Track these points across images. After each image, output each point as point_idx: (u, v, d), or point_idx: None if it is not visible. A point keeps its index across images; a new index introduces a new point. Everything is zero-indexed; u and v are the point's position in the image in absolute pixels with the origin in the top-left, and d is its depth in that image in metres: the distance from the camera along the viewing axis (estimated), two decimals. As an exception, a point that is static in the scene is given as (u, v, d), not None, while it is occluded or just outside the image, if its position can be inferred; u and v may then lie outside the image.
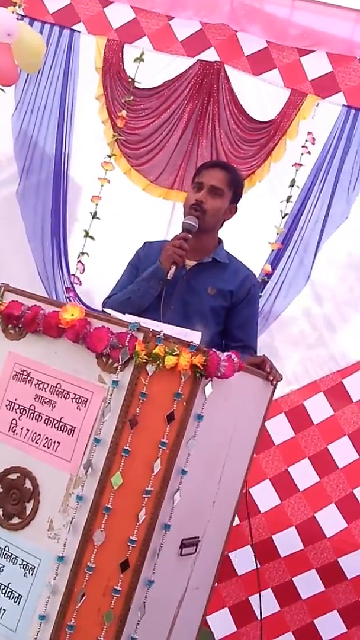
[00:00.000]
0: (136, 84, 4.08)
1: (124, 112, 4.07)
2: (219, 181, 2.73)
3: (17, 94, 4.15)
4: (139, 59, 4.06)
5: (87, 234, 4.09)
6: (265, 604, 3.83)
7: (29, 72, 3.87)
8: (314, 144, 3.93)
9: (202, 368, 1.97)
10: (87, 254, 4.10)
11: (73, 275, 4.10)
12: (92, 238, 4.08)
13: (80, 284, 4.09)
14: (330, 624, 3.85)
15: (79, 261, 4.11)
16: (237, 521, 2.51)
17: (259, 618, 3.80)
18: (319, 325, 4.04)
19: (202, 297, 2.71)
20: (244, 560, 3.82)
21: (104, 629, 1.91)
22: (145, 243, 2.91)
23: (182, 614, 2.18)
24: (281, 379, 2.50)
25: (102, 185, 4.07)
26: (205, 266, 2.75)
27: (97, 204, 4.07)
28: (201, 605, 2.32)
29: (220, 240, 2.86)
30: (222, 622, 3.81)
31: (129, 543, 1.93)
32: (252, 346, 2.78)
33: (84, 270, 4.10)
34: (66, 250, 4.15)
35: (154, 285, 2.64)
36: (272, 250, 3.97)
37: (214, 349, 2.05)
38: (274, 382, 2.46)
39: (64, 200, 4.16)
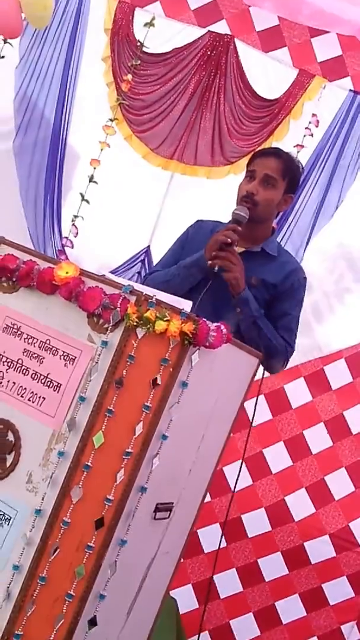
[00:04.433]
0: (144, 49, 4.01)
1: (129, 76, 4.00)
2: (273, 170, 2.61)
3: (21, 49, 4.06)
4: (149, 24, 3.97)
5: (82, 197, 4.03)
6: (229, 583, 3.88)
7: (37, 27, 3.79)
8: (317, 126, 3.88)
9: (191, 336, 1.96)
10: (82, 217, 4.05)
11: (65, 237, 4.06)
12: (87, 202, 4.03)
13: (72, 247, 4.04)
14: (290, 607, 3.90)
15: (73, 224, 4.06)
16: (207, 498, 2.52)
17: (220, 597, 3.85)
18: (305, 313, 4.04)
19: None
20: (210, 538, 3.84)
21: (74, 584, 1.93)
22: (197, 221, 2.79)
23: (150, 577, 2.20)
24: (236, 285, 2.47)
25: (101, 149, 3.99)
26: (252, 255, 2.65)
27: (95, 168, 4.00)
28: (169, 571, 2.34)
29: (273, 230, 2.76)
30: (185, 598, 3.82)
31: (106, 502, 1.94)
32: (287, 341, 2.68)
33: (77, 233, 4.05)
34: (60, 212, 4.11)
35: (194, 274, 2.56)
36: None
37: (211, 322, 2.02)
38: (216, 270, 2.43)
39: (61, 161, 4.11)
